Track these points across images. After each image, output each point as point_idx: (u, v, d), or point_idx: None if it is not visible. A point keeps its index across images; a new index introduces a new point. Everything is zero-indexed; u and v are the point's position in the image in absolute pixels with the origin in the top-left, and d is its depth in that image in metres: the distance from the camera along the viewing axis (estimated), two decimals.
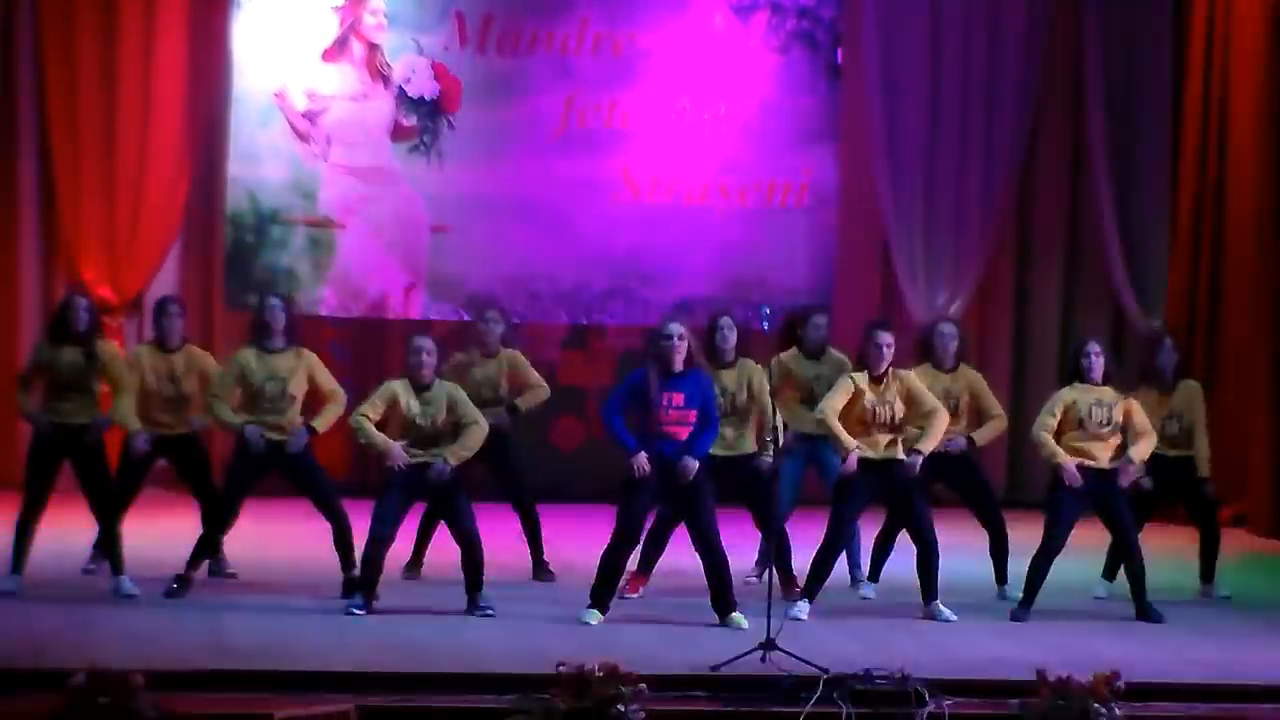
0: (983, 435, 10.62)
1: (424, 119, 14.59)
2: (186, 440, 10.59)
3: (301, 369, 10.08)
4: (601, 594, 9.59)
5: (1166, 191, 14.65)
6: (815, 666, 8.31)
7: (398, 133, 14.60)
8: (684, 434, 9.53)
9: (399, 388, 9.74)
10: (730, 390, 10.15)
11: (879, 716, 8.04)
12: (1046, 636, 9.53)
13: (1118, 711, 7.76)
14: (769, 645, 8.60)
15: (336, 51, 14.55)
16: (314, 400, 10.23)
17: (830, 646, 8.83)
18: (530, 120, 14.59)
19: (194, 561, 10.07)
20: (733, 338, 10.29)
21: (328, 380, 10.16)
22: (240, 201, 14.46)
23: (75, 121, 14.19)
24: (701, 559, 9.64)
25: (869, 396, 9.87)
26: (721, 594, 9.59)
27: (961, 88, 14.80)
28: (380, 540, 9.61)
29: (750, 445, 10.31)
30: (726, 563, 9.61)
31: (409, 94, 14.57)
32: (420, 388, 9.72)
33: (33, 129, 14.31)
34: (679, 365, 9.53)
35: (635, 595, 10.24)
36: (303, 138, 14.52)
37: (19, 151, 14.34)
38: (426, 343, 9.79)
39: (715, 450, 9.90)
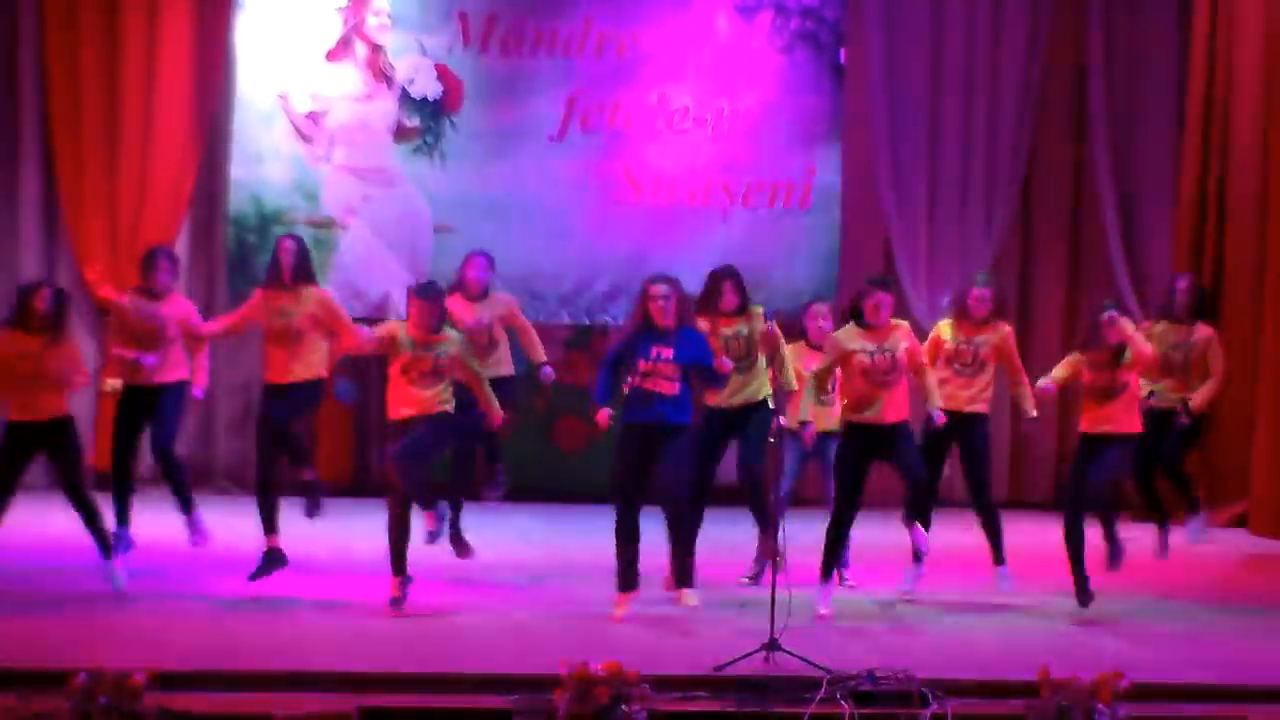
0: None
1: (427, 120, 14.58)
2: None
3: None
4: (622, 573, 9.69)
5: (1169, 189, 14.63)
6: (818, 667, 8.31)
7: (401, 133, 14.59)
8: (669, 389, 9.58)
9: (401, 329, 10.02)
10: (743, 335, 10.24)
11: (882, 717, 8.03)
12: (1049, 637, 9.53)
13: (1121, 712, 7.77)
14: (772, 645, 8.61)
15: (339, 52, 14.54)
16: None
17: (833, 646, 8.83)
18: (533, 121, 14.58)
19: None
20: (734, 297, 10.40)
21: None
22: (243, 202, 14.46)
23: (78, 123, 14.19)
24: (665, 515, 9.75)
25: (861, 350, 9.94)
26: (680, 560, 9.71)
27: (964, 87, 14.79)
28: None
29: (763, 391, 10.40)
30: (692, 528, 9.70)
31: (412, 95, 14.56)
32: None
33: (36, 130, 14.31)
34: (669, 322, 9.62)
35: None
36: (306, 139, 14.51)
37: (22, 153, 14.33)
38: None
39: (727, 400, 10.19)
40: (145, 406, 10.77)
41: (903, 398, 9.94)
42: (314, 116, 14.50)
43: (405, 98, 14.55)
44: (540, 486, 13.72)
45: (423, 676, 8.28)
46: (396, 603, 9.70)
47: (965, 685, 8.27)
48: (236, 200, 14.46)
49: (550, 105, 14.59)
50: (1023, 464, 14.89)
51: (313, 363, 10.62)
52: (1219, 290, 14.03)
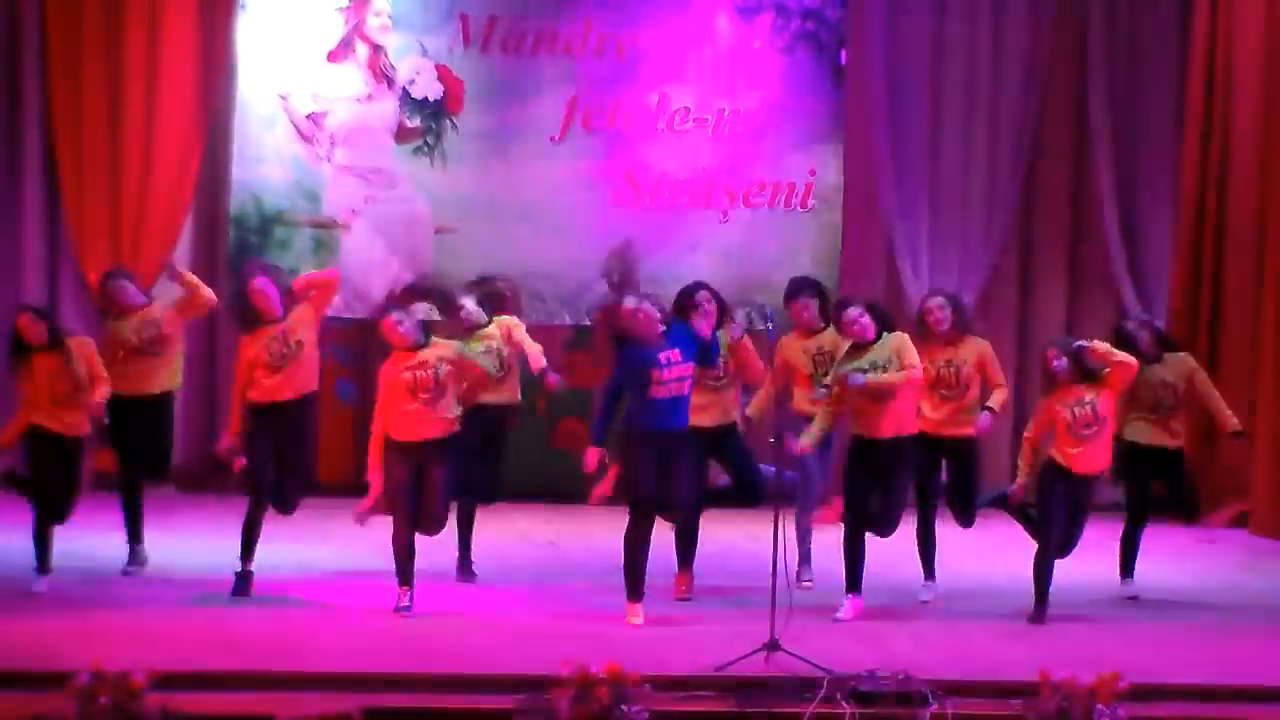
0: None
1: (428, 120, 14.58)
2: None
3: None
4: (636, 583, 9.60)
5: (1170, 189, 14.64)
6: (819, 667, 8.32)
7: (402, 134, 14.60)
8: (686, 389, 9.54)
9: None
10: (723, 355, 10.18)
11: (882, 717, 8.05)
12: (1049, 637, 9.54)
13: (1121, 712, 7.78)
14: (773, 645, 8.62)
15: (340, 53, 14.55)
16: None
17: (833, 647, 8.84)
18: (534, 121, 14.58)
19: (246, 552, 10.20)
20: (713, 310, 10.15)
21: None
22: (244, 203, 14.46)
23: (80, 124, 14.17)
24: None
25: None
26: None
27: (965, 88, 14.79)
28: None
29: (733, 413, 10.40)
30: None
31: (413, 95, 14.57)
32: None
33: (38, 130, 14.29)
34: (658, 329, 9.56)
35: (689, 598, 10.16)
36: (307, 139, 14.51)
37: (24, 154, 14.31)
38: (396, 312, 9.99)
39: (714, 420, 10.14)
40: (142, 417, 10.85)
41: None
42: (315, 117, 14.51)
43: (406, 98, 14.56)
44: (540, 486, 13.72)
45: (424, 676, 8.29)
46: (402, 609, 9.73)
47: (965, 685, 8.28)
48: (238, 201, 14.46)
49: (551, 106, 14.60)
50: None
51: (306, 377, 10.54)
52: (1219, 289, 14.05)
